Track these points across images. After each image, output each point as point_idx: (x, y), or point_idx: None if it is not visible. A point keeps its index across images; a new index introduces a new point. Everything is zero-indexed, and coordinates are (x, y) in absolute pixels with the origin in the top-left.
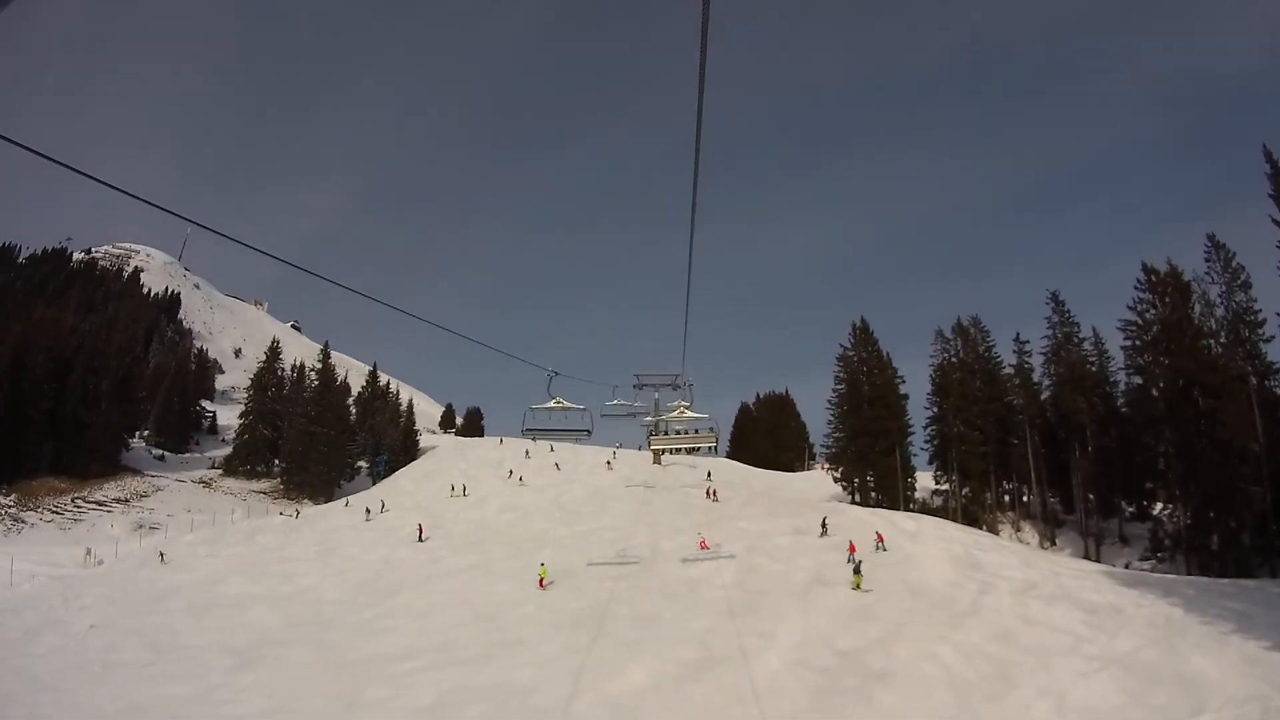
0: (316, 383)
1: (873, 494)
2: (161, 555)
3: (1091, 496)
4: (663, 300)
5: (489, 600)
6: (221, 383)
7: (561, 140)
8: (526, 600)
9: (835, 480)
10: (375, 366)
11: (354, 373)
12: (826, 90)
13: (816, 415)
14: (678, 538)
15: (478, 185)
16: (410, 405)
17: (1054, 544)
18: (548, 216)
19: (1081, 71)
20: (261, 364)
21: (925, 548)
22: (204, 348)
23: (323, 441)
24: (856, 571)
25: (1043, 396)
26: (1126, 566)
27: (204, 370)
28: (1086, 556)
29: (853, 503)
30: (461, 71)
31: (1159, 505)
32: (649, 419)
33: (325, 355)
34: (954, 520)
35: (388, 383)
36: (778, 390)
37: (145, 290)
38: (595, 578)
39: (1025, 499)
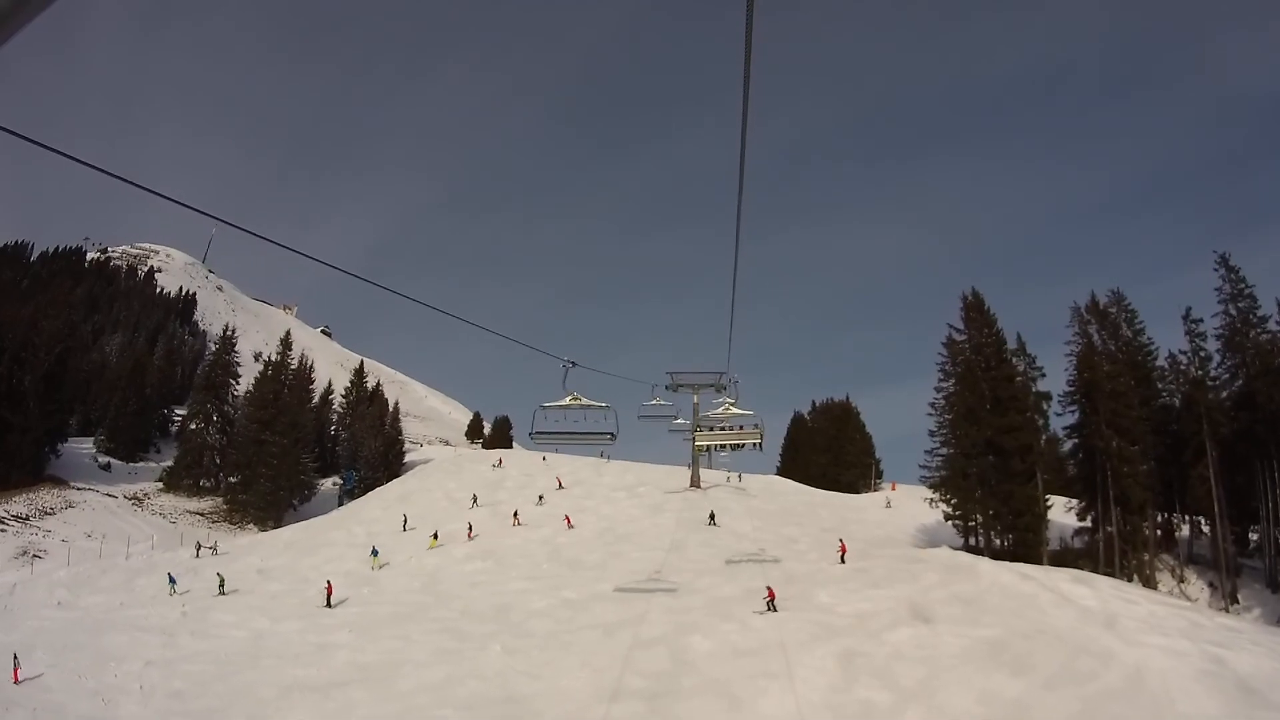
0: (293, 381)
1: (994, 534)
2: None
3: None
4: (722, 303)
5: None
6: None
7: (637, 141)
8: None
9: (948, 517)
10: (362, 364)
11: (386, 382)
12: (895, 96)
13: (881, 428)
14: (721, 629)
15: (539, 189)
16: (396, 409)
17: (1236, 601)
18: (619, 217)
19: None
20: (211, 357)
21: (1138, 647)
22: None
23: (272, 452)
24: None
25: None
26: None
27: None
28: None
29: (966, 547)
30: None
31: None
32: (680, 421)
33: (285, 346)
34: (1108, 571)
35: (378, 383)
36: (837, 398)
37: (159, 290)
38: None
39: (1177, 534)
